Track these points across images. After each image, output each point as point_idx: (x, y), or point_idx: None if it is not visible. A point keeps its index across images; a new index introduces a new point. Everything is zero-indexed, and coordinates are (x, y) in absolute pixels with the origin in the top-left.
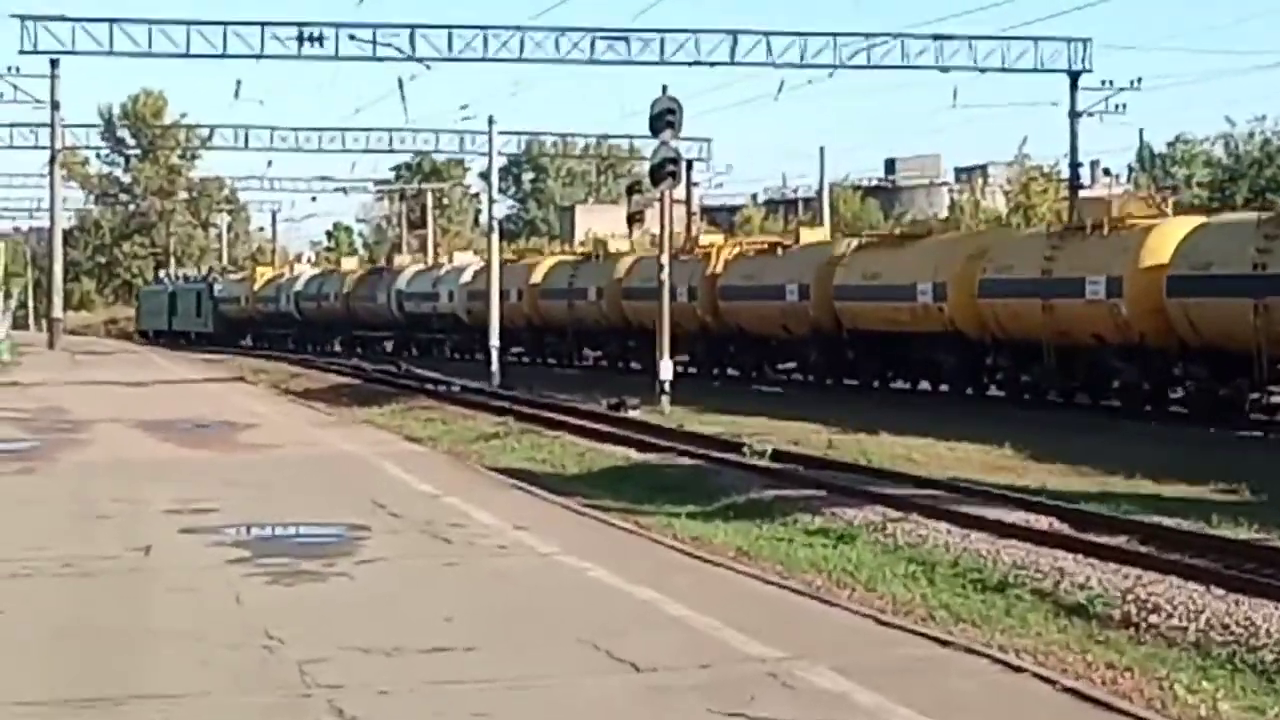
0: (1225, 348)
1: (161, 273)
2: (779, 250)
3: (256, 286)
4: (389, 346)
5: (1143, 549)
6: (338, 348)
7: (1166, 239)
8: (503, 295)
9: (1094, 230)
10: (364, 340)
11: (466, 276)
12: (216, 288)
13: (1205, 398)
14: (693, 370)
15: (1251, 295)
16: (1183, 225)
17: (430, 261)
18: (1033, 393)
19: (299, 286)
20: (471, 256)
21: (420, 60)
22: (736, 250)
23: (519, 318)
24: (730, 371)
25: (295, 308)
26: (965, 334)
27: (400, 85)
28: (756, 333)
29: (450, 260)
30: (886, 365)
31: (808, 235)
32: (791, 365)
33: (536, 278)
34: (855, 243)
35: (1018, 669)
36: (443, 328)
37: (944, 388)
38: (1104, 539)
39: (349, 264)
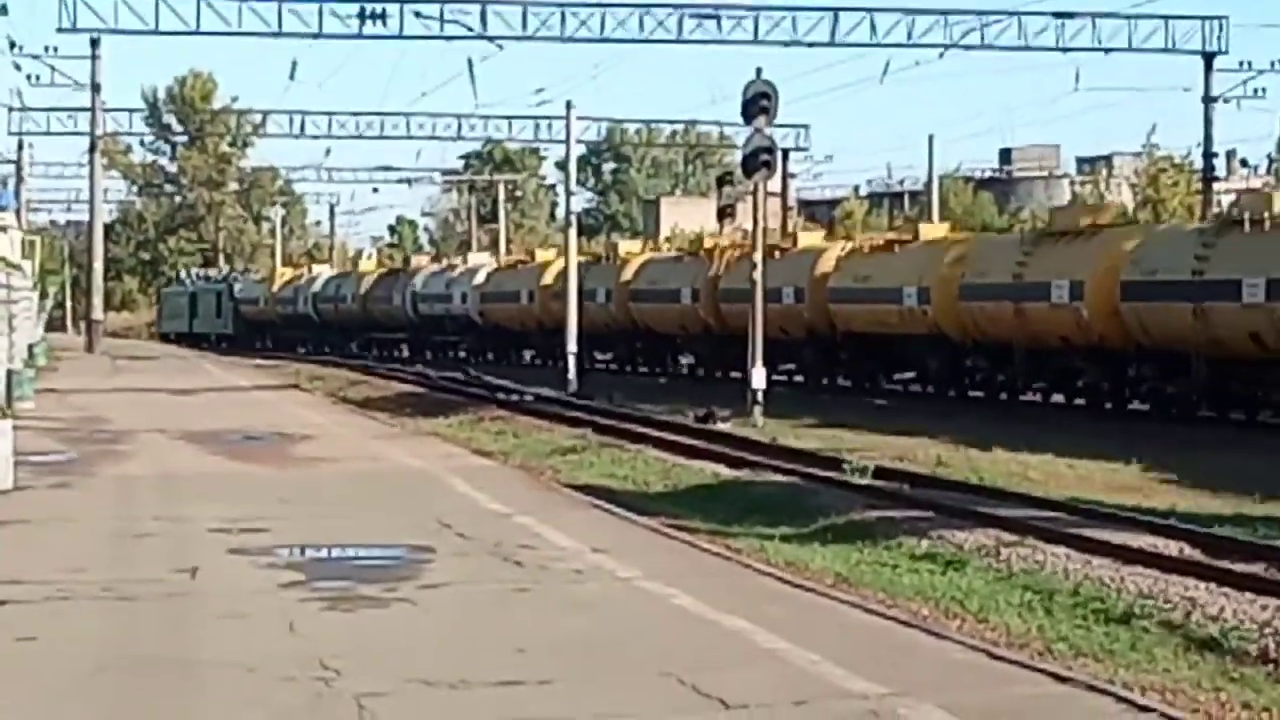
0: (1170, 349)
1: (183, 273)
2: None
3: (275, 288)
4: (404, 349)
5: None
6: (355, 349)
7: (1127, 240)
8: (513, 296)
9: (1062, 236)
10: (379, 342)
11: (479, 278)
12: (236, 288)
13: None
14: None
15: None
16: (1135, 234)
17: (501, 260)
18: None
19: (317, 288)
20: (484, 257)
21: (492, 39)
22: (739, 252)
23: (529, 319)
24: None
25: (313, 309)
26: (948, 335)
27: (470, 67)
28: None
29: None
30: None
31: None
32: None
33: (548, 279)
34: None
35: (1144, 709)
36: (456, 329)
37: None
38: (1239, 566)
39: (366, 265)
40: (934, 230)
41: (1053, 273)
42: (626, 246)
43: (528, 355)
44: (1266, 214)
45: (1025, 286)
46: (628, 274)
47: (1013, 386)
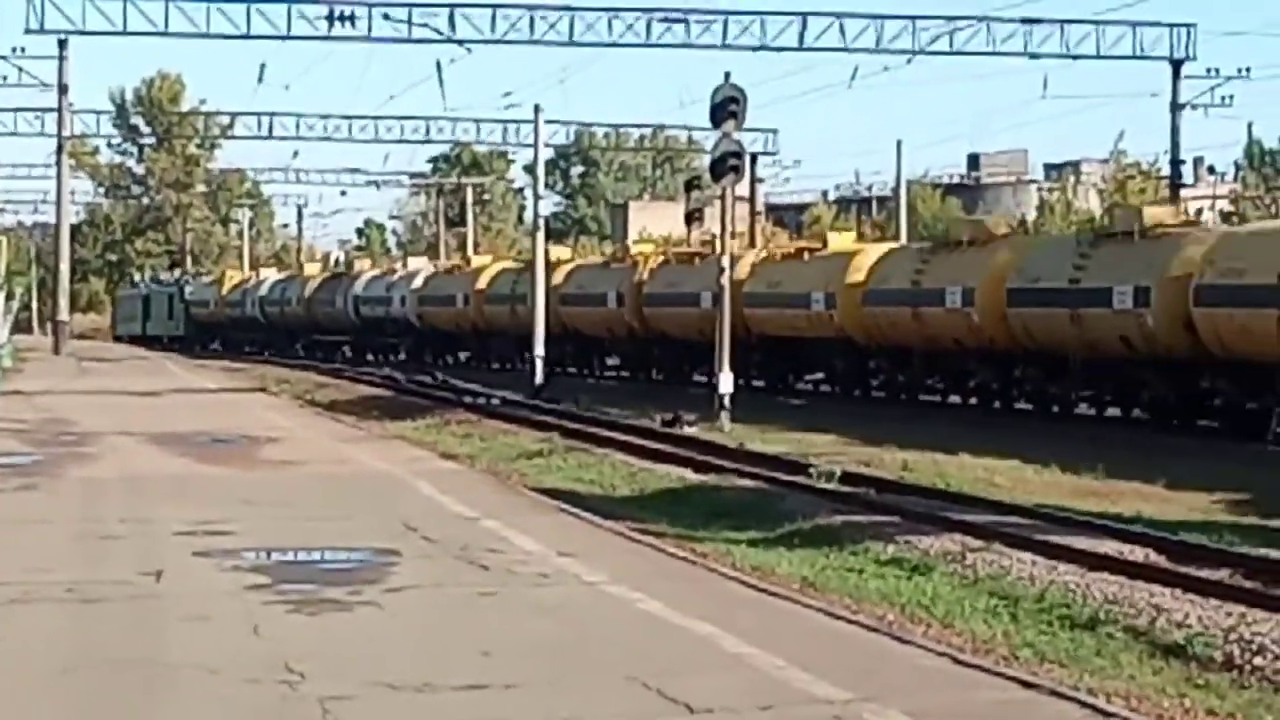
0: (1051, 351)
1: (136, 276)
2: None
3: (224, 290)
4: (347, 351)
5: (1248, 584)
6: (300, 350)
7: (1011, 251)
8: (449, 300)
9: (957, 246)
10: (323, 344)
11: (417, 282)
12: (187, 291)
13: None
14: (624, 374)
15: (1067, 305)
16: (1021, 244)
17: (443, 264)
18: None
19: (264, 291)
20: (423, 262)
21: (460, 42)
22: (662, 259)
23: (465, 322)
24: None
25: (260, 311)
26: (853, 339)
27: (438, 70)
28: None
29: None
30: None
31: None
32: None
33: (482, 284)
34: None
35: (1109, 715)
36: (395, 332)
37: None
38: (1205, 572)
39: (311, 269)
40: (842, 240)
41: (947, 280)
42: (557, 253)
43: (463, 356)
44: (1136, 226)
45: (922, 293)
46: (558, 279)
47: (912, 387)
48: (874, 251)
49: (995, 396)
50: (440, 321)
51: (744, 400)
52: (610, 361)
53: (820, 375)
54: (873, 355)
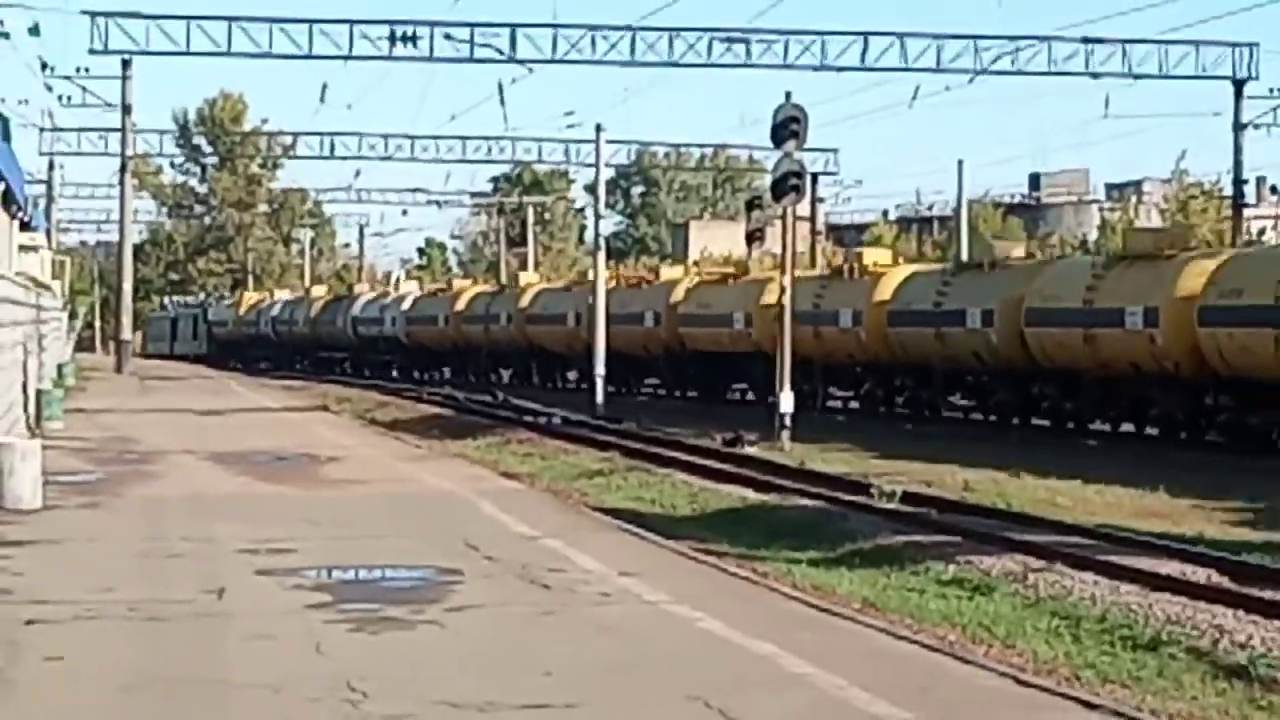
0: (920, 364)
1: (165, 299)
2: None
3: (241, 311)
4: (347, 366)
5: None
6: (307, 366)
7: (891, 281)
8: (433, 320)
9: (850, 276)
10: (326, 360)
11: (406, 304)
12: (210, 313)
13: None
14: (661, 392)
15: (931, 325)
16: (902, 271)
17: (429, 287)
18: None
19: (275, 311)
20: (412, 285)
21: (522, 62)
22: (698, 280)
23: (445, 341)
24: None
25: (272, 330)
26: (767, 353)
27: (500, 90)
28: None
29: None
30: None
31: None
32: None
33: (460, 305)
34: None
35: None
36: (388, 349)
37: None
38: (1269, 593)
39: (318, 291)
40: (759, 268)
41: (840, 303)
42: (526, 278)
43: (447, 371)
44: (986, 260)
45: (822, 314)
46: (525, 301)
47: (815, 394)
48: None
49: (880, 403)
50: (425, 339)
51: (680, 407)
52: (570, 375)
53: (744, 384)
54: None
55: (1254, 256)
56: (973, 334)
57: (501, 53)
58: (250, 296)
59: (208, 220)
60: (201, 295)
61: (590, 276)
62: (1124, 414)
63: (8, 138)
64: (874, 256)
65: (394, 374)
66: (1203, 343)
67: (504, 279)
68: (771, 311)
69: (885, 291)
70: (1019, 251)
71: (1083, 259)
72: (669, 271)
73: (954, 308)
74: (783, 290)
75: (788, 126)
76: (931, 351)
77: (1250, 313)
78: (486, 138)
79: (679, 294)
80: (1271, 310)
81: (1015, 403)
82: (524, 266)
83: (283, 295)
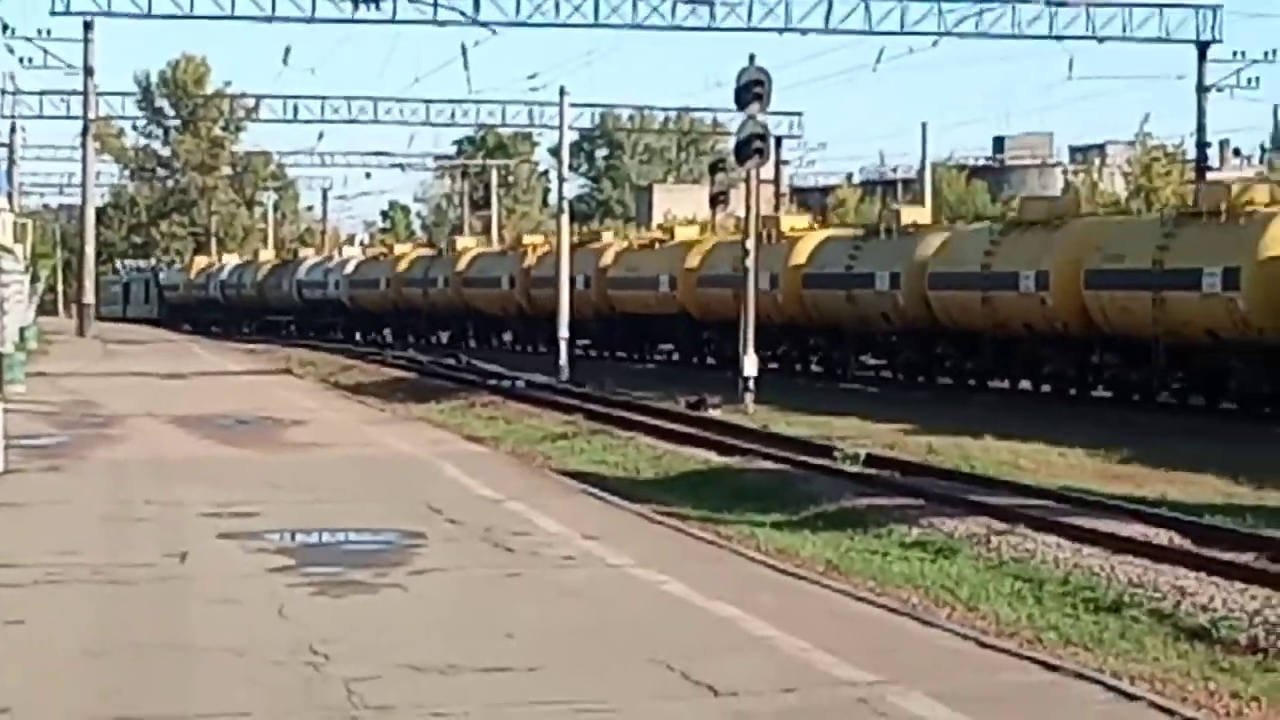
0: (833, 325)
1: (118, 263)
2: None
3: (192, 275)
4: (293, 329)
5: (1273, 568)
6: (253, 329)
7: (806, 245)
8: (373, 284)
9: (770, 240)
10: (272, 323)
11: (349, 268)
12: (161, 276)
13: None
14: (592, 353)
15: (843, 287)
16: (817, 236)
17: (371, 252)
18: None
19: (224, 275)
20: (354, 249)
21: (485, 25)
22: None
23: (386, 303)
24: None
25: (221, 294)
26: (691, 314)
27: (464, 52)
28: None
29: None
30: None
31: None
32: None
33: (400, 269)
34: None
35: (1132, 697)
36: (332, 312)
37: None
38: (1229, 555)
39: (265, 255)
40: (685, 232)
41: (762, 266)
42: (463, 242)
43: (388, 333)
44: (895, 226)
45: (743, 277)
46: (462, 265)
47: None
48: (709, 241)
49: (795, 362)
50: (367, 302)
51: (609, 366)
52: (505, 336)
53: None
54: (706, 328)
55: (1134, 223)
56: (881, 296)
57: (465, 15)
58: (200, 261)
59: (170, 184)
60: (152, 260)
61: (543, 239)
62: (1019, 372)
63: None
64: (790, 222)
65: (338, 335)
66: (1089, 304)
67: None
68: (695, 275)
69: (801, 255)
70: (925, 217)
71: (982, 226)
72: (608, 238)
73: (864, 271)
74: (745, 253)
75: (751, 89)
76: (843, 313)
77: (1131, 276)
78: (450, 101)
79: (608, 258)
80: (1149, 274)
81: (920, 362)
82: (487, 229)
83: (231, 260)
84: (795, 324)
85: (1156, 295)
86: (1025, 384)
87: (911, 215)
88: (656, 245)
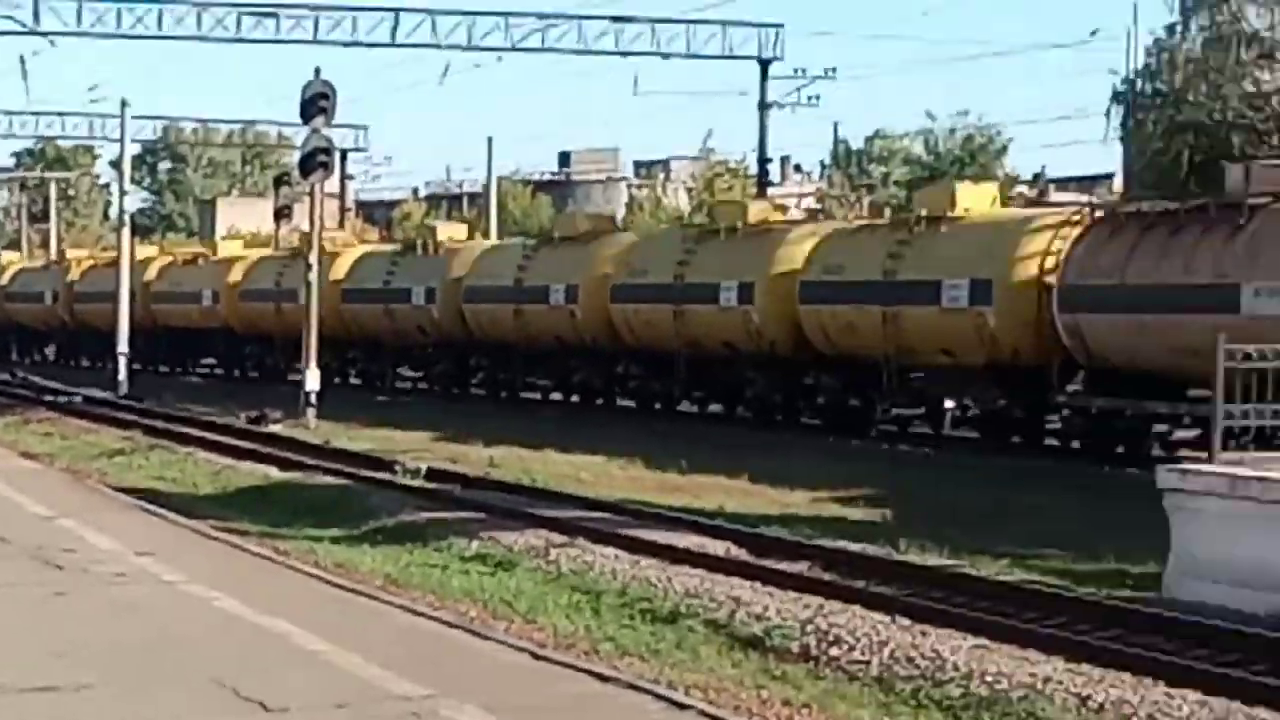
0: (371, 337)
1: None
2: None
3: None
4: None
5: (825, 576)
6: None
7: (346, 260)
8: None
9: (295, 253)
10: None
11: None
12: None
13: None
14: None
15: (381, 302)
16: (358, 250)
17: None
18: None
19: None
20: (15, 255)
21: (45, 34)
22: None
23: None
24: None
25: None
26: (234, 329)
27: (22, 62)
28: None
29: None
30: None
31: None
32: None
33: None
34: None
35: (684, 706)
36: None
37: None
38: (783, 565)
39: None
40: (228, 247)
41: (298, 281)
42: (7, 256)
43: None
44: (431, 242)
45: (283, 290)
46: (4, 279)
47: (277, 368)
48: (252, 256)
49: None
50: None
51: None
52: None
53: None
54: (248, 342)
55: (658, 239)
56: (418, 310)
57: (24, 25)
58: None
59: None
60: None
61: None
62: (552, 376)
63: None
64: (333, 235)
65: None
66: (614, 317)
67: (30, 256)
68: (237, 290)
69: (340, 270)
70: (461, 235)
71: (516, 241)
72: (142, 251)
73: (401, 286)
74: (308, 267)
75: (316, 103)
76: (381, 327)
77: (654, 290)
78: (8, 112)
79: (152, 273)
80: (670, 289)
81: (455, 373)
82: (45, 243)
83: None
84: (335, 337)
85: (678, 309)
86: (556, 395)
87: (448, 231)
88: (200, 261)
